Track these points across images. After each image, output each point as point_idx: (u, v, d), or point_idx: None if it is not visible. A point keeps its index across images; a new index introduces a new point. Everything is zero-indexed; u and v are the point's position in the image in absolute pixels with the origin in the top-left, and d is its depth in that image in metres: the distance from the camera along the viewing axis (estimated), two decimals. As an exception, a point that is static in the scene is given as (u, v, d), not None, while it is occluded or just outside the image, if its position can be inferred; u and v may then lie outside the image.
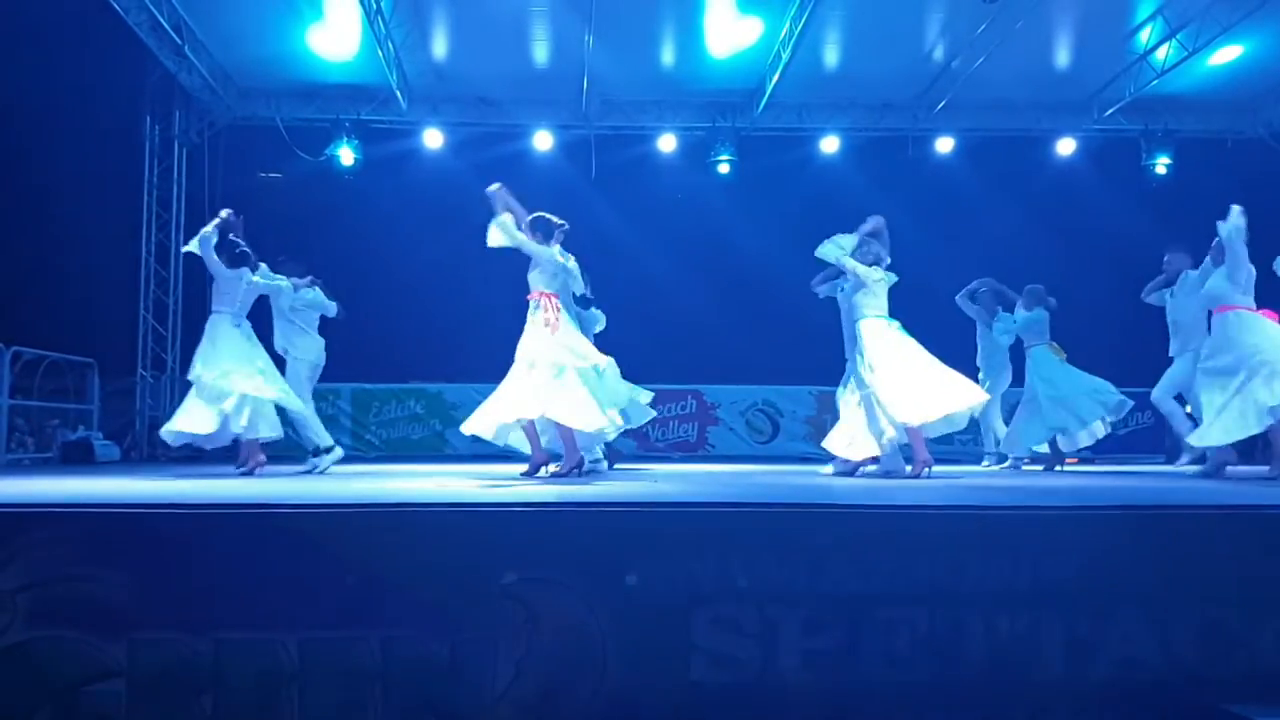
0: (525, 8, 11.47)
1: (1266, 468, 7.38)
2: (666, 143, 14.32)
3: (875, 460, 7.76)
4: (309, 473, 8.12)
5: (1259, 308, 7.72)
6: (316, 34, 12.04)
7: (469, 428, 7.17)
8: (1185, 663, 3.83)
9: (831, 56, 12.76)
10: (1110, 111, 13.86)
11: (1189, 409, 8.63)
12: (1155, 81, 12.80)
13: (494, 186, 7.35)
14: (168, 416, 8.69)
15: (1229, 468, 7.81)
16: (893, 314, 8.10)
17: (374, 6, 10.95)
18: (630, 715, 3.64)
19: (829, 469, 8.27)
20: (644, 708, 3.65)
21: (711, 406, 13.44)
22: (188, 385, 8.01)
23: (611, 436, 7.76)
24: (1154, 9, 11.71)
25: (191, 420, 7.65)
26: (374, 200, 14.04)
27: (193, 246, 8.20)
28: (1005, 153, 14.51)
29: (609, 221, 14.77)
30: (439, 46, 12.59)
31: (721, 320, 13.18)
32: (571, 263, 7.52)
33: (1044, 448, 9.75)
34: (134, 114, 13.55)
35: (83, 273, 14.58)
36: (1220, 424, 7.29)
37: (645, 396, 8.52)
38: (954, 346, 10.19)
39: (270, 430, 8.03)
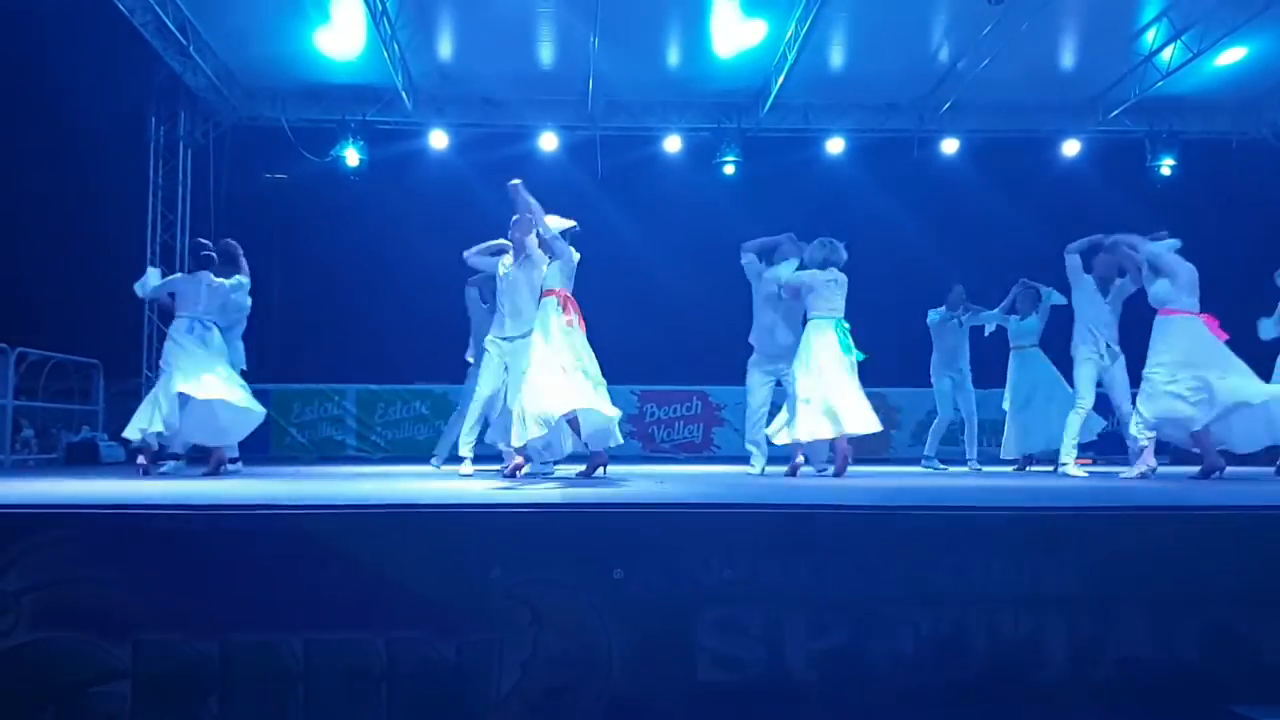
0: (531, 8, 11.48)
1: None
2: (672, 144, 14.33)
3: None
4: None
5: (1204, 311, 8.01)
6: (322, 34, 12.05)
7: (525, 438, 6.97)
8: (1189, 664, 3.83)
9: (837, 57, 12.76)
10: (1115, 113, 13.85)
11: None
12: (1160, 83, 12.79)
13: (515, 181, 7.36)
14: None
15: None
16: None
17: (379, 7, 10.96)
18: (635, 716, 3.64)
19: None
20: (649, 709, 3.65)
21: (717, 408, 13.45)
22: None
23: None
24: (1159, 10, 11.70)
25: (138, 419, 7.75)
26: (379, 201, 14.06)
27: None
28: (1010, 154, 14.51)
29: (614, 222, 14.77)
30: (444, 47, 12.61)
31: (727, 321, 13.16)
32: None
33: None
34: (139, 115, 13.58)
35: (88, 274, 14.61)
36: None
37: None
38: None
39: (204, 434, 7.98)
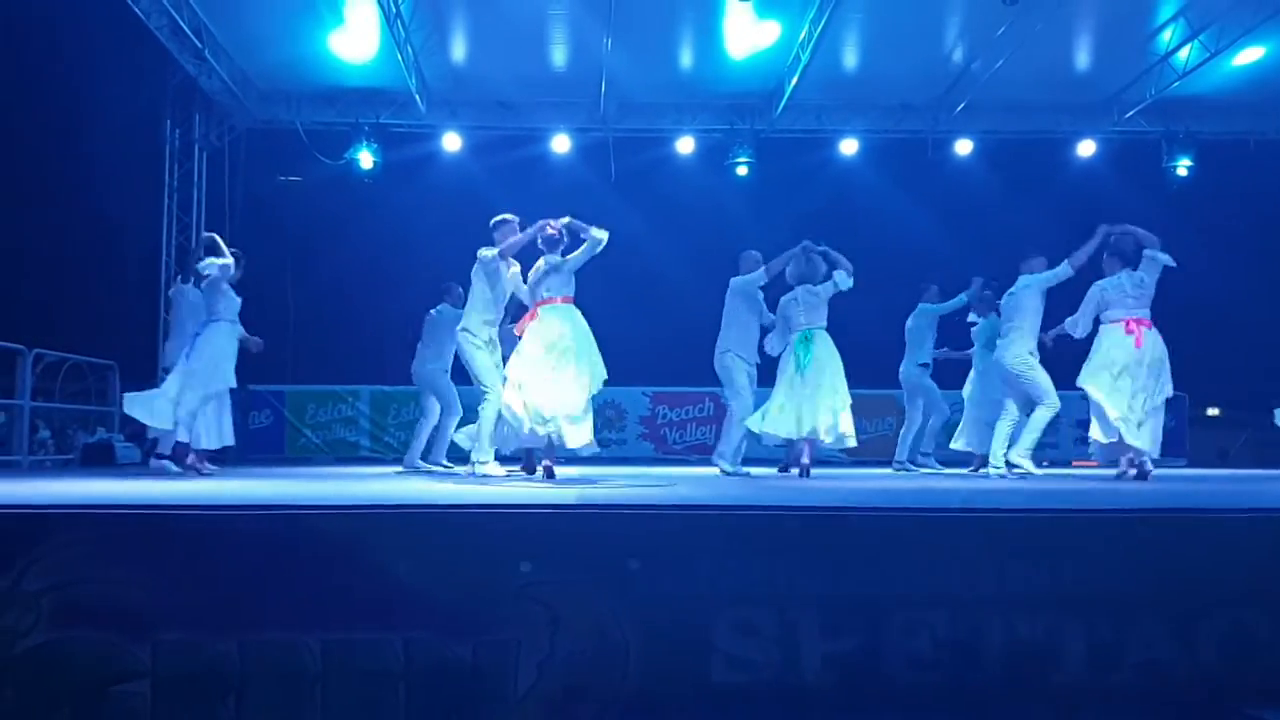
0: (544, 11, 11.49)
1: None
2: (685, 145, 14.34)
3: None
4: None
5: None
6: (336, 38, 12.09)
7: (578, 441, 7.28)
8: (1208, 667, 3.81)
9: (851, 58, 12.74)
10: (1131, 113, 13.80)
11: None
12: (1177, 83, 12.74)
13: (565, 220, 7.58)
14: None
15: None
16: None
17: (393, 10, 10.99)
18: (651, 716, 3.64)
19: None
20: (665, 709, 3.65)
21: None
22: None
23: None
24: (1176, 10, 11.66)
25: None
26: (393, 203, 14.10)
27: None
28: (1025, 155, 14.49)
29: (627, 224, 14.76)
30: (458, 50, 12.63)
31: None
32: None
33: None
34: (154, 118, 13.64)
35: (103, 276, 14.70)
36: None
37: None
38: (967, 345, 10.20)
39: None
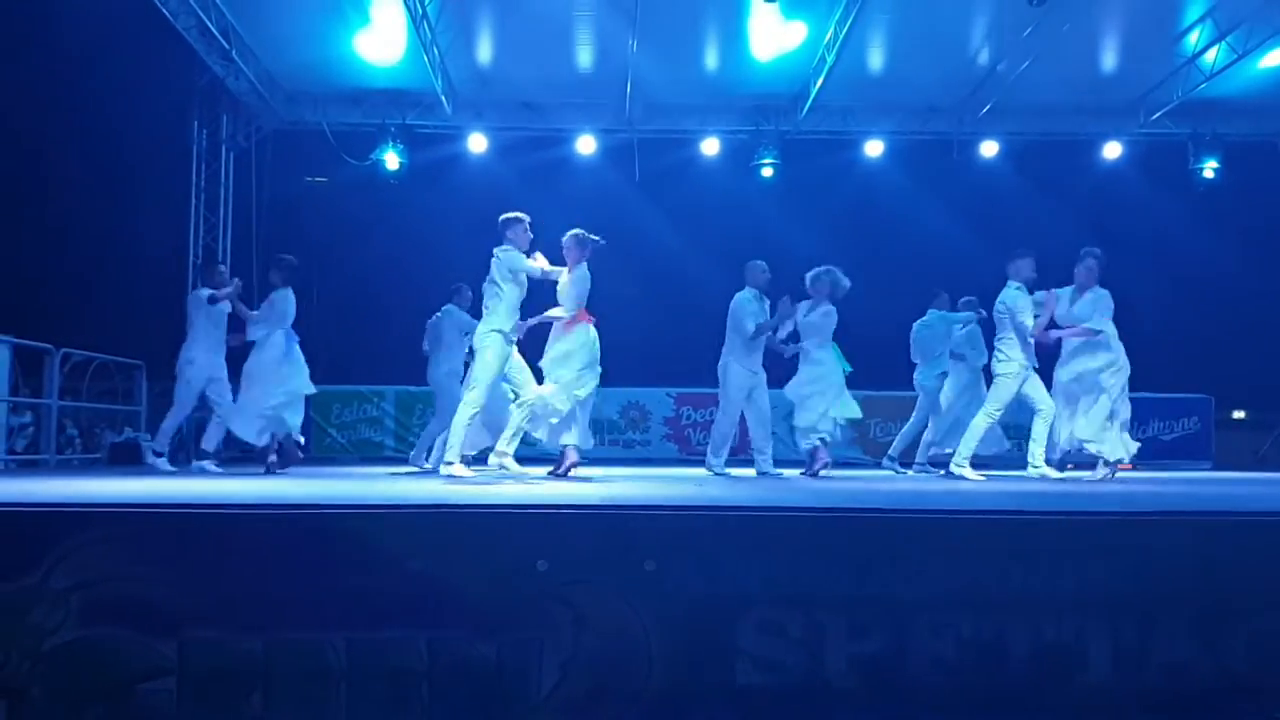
0: (569, 12, 11.51)
1: None
2: (710, 146, 14.32)
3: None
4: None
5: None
6: (363, 39, 12.14)
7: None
8: (1234, 671, 3.78)
9: (876, 60, 12.70)
10: (1157, 115, 13.69)
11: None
12: (1204, 85, 12.64)
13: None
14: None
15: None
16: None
17: (419, 11, 11.02)
18: (674, 717, 3.64)
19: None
20: (689, 710, 3.65)
21: (753, 411, 13.41)
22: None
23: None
24: (1203, 11, 11.57)
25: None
26: (418, 204, 14.16)
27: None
28: (1051, 157, 14.42)
29: (652, 225, 14.80)
30: (483, 51, 12.66)
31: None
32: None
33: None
34: (182, 119, 13.72)
35: (131, 275, 14.80)
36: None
37: None
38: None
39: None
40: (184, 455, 12.53)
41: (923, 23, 11.64)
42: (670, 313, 14.49)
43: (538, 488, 6.21)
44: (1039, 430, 8.64)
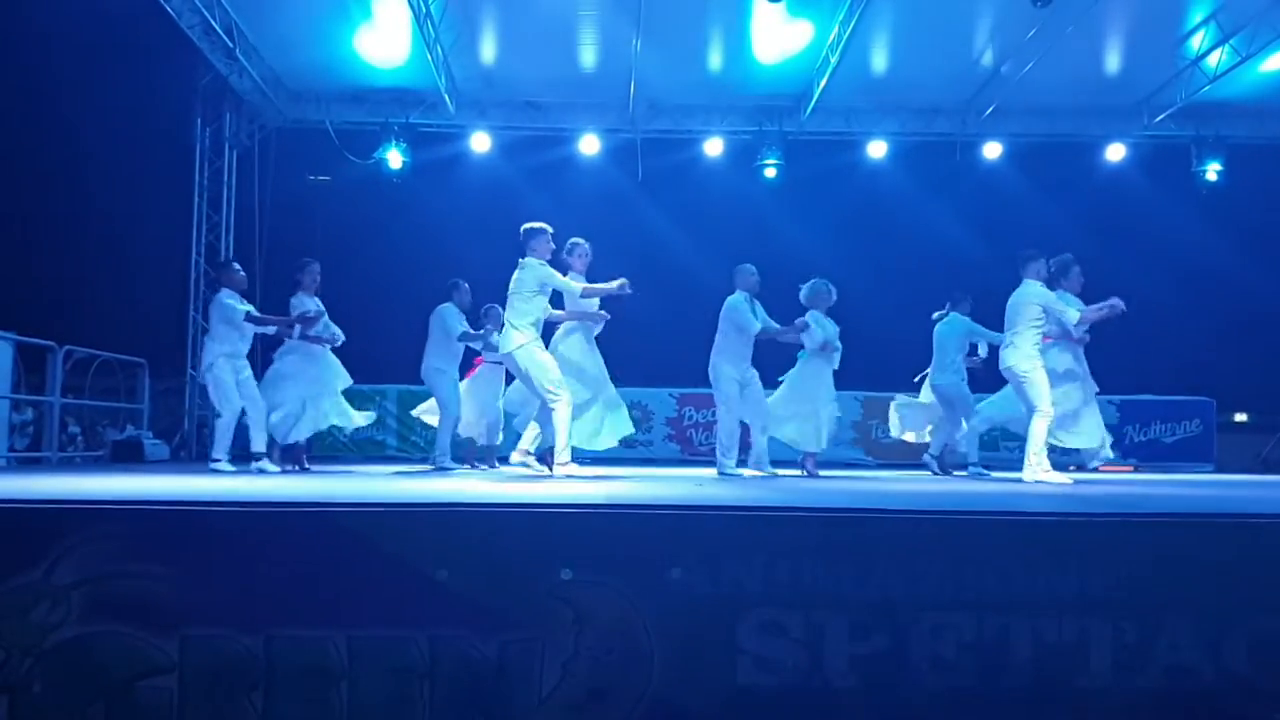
0: (573, 11, 11.51)
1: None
2: (713, 146, 14.31)
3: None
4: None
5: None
6: (366, 38, 12.15)
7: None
8: (1237, 673, 3.78)
9: (880, 61, 12.70)
10: (1161, 117, 13.68)
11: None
12: (1207, 87, 12.61)
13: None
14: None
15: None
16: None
17: (423, 10, 11.03)
18: (676, 717, 3.64)
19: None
20: (689, 710, 3.65)
21: (755, 411, 13.41)
22: None
23: None
24: (1207, 14, 11.56)
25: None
26: (422, 203, 14.16)
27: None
28: (1054, 158, 14.40)
29: (655, 225, 14.80)
30: (487, 50, 12.66)
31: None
32: None
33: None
34: (185, 117, 13.72)
35: (134, 273, 14.83)
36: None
37: None
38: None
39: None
40: (186, 454, 12.58)
41: (926, 24, 11.63)
42: (673, 313, 14.47)
43: (541, 487, 6.21)
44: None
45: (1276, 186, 14.19)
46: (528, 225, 7.94)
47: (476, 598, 3.64)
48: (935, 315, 10.10)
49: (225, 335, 8.72)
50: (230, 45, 11.79)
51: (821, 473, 9.32)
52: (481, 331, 9.87)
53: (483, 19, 11.88)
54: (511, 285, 7.91)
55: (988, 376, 9.66)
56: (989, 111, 13.64)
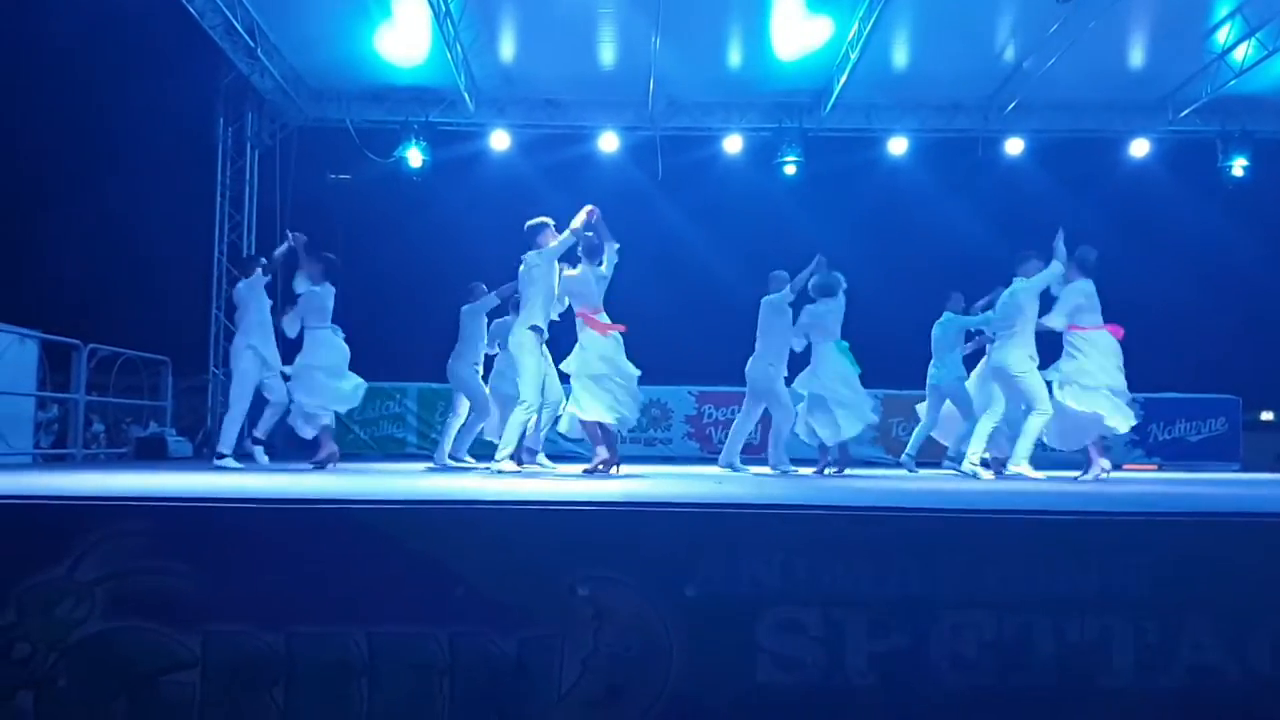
0: (592, 9, 11.51)
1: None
2: (733, 144, 14.29)
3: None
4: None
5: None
6: (387, 37, 12.19)
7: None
8: (1261, 673, 3.75)
9: (900, 57, 12.65)
10: (1186, 112, 13.58)
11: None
12: (1233, 81, 12.51)
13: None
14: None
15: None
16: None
17: (443, 9, 11.06)
18: (695, 715, 3.64)
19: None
20: (709, 708, 3.65)
21: (775, 409, 13.38)
22: None
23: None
24: (1233, 7, 11.46)
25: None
26: (441, 201, 14.20)
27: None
28: (1077, 155, 14.32)
29: (674, 223, 14.80)
30: (506, 49, 12.69)
31: (786, 322, 13.17)
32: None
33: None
34: (208, 116, 13.81)
35: (157, 272, 14.93)
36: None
37: None
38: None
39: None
40: (209, 451, 12.65)
41: (948, 19, 11.58)
42: (692, 310, 14.49)
43: (561, 485, 6.22)
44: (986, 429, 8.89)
45: (1303, 181, 14.08)
46: (530, 222, 8.00)
47: (496, 595, 3.64)
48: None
49: (256, 324, 8.91)
50: (252, 45, 11.85)
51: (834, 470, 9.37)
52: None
53: (502, 17, 11.90)
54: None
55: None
56: (1011, 107, 13.57)
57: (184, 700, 3.59)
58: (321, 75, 13.44)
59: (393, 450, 13.09)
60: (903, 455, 10.29)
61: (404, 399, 13.44)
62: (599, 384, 7.81)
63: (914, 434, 10.23)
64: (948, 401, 9.82)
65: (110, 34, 13.14)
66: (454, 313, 10.05)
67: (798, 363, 9.47)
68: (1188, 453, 13.20)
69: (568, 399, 8.16)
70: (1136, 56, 12.64)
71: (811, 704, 3.68)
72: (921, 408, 10.16)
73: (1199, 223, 14.38)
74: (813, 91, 13.60)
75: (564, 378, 8.26)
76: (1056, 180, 14.26)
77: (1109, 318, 8.55)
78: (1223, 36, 12.05)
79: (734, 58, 12.80)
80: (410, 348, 14.01)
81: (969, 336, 9.95)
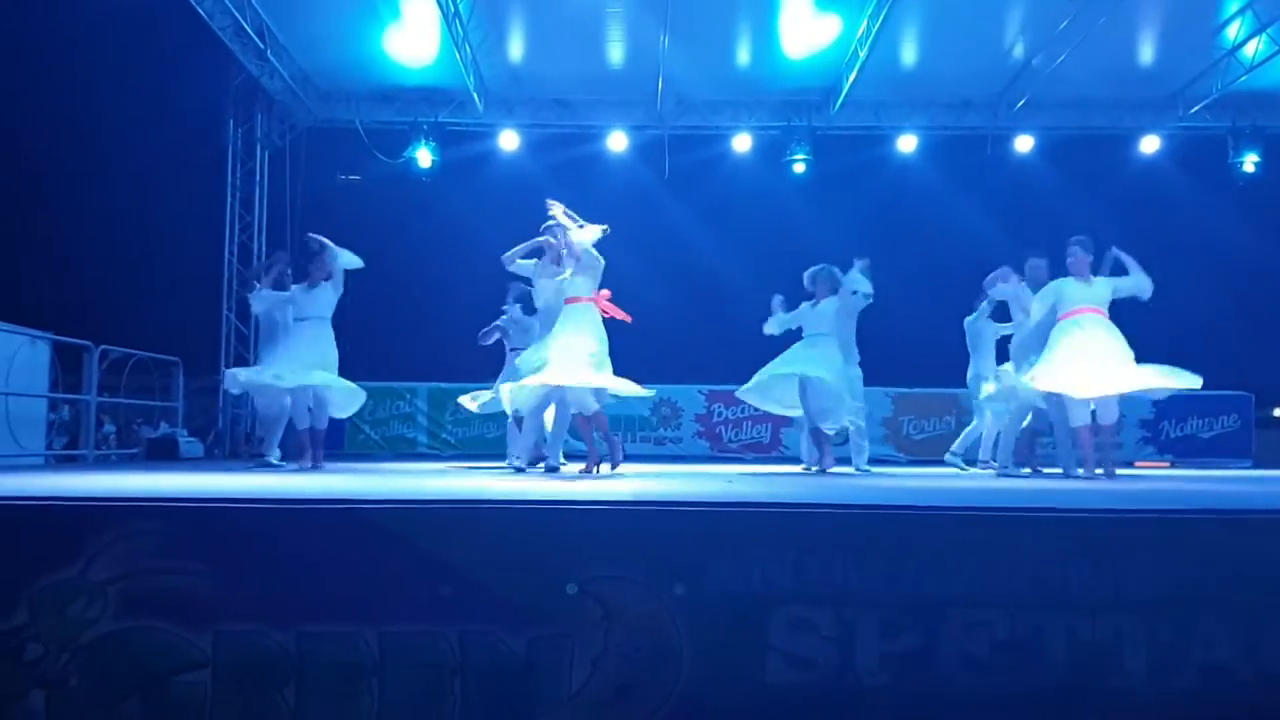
0: (601, 9, 11.52)
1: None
2: (741, 142, 14.29)
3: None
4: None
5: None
6: (395, 37, 12.20)
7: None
8: (1275, 673, 3.73)
9: (909, 54, 12.63)
10: (1196, 108, 13.53)
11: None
12: (1244, 77, 12.47)
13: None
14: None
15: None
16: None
17: (452, 9, 11.07)
18: (705, 715, 3.64)
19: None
20: (719, 708, 3.64)
21: (785, 407, 13.37)
22: None
23: None
24: (1243, 3, 11.44)
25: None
26: (451, 201, 14.21)
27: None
28: (1087, 151, 14.29)
29: (683, 222, 14.79)
30: (515, 49, 12.70)
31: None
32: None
33: None
34: (217, 117, 13.85)
35: (168, 273, 14.98)
36: None
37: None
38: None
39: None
40: (220, 452, 12.69)
41: (957, 16, 11.56)
42: (702, 309, 14.48)
43: (570, 484, 6.22)
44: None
45: (1315, 177, 14.02)
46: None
47: (506, 594, 3.64)
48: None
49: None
50: (261, 46, 11.88)
51: (853, 470, 9.30)
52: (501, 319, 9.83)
53: (511, 17, 11.92)
54: None
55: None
56: (1020, 105, 13.54)
57: (195, 700, 3.60)
58: (331, 76, 13.46)
59: (403, 450, 13.11)
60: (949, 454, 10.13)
61: (414, 399, 13.45)
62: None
63: (964, 432, 10.12)
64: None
65: (120, 36, 13.19)
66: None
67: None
68: (1200, 450, 13.15)
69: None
70: (1146, 53, 12.60)
71: (823, 704, 3.67)
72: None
73: (1210, 219, 14.31)
74: (822, 90, 13.59)
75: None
76: (1066, 177, 14.22)
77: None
78: (1233, 32, 12.00)
79: (743, 56, 12.79)
80: (420, 347, 14.04)
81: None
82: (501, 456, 10.14)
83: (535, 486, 5.75)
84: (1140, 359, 8.48)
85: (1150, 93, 13.55)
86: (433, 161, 13.77)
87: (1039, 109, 13.63)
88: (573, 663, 3.62)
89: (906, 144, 14.22)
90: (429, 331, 13.97)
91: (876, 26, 11.31)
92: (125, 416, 14.19)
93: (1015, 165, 14.33)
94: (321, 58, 12.96)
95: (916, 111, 13.99)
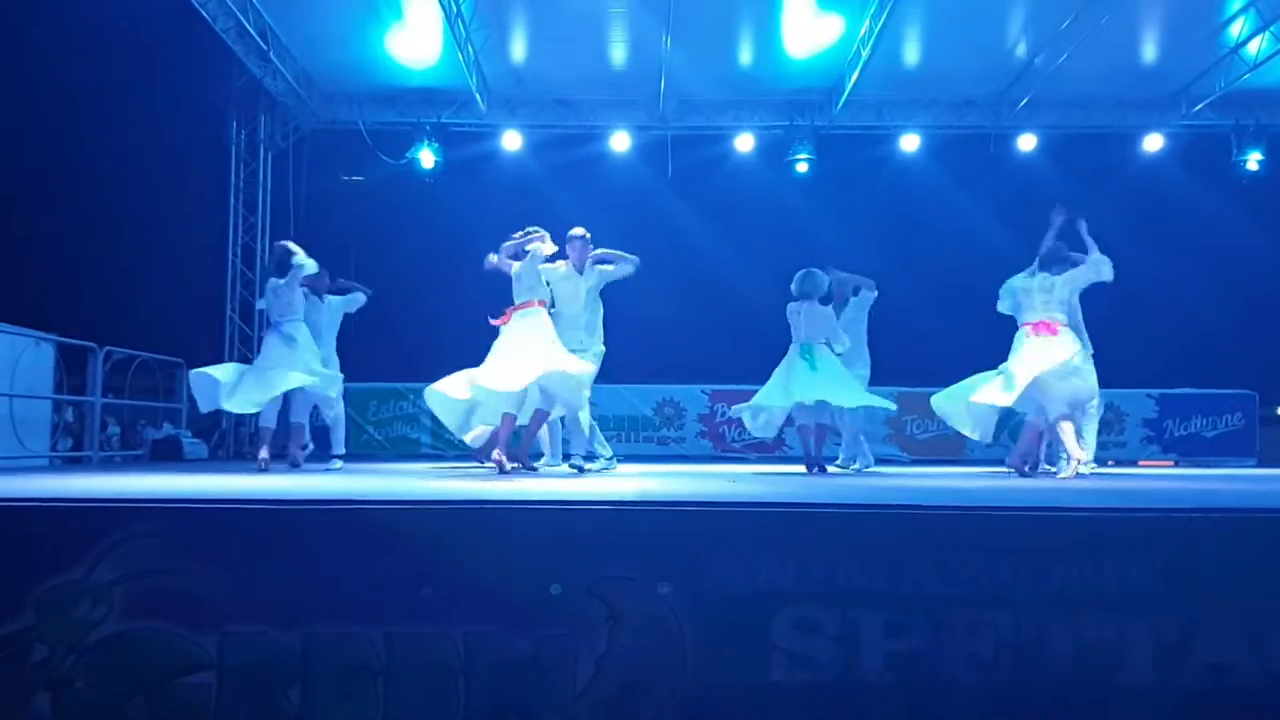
0: (603, 9, 11.51)
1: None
2: (744, 142, 14.26)
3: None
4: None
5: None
6: (398, 38, 12.21)
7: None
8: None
9: (912, 53, 12.61)
10: (1199, 107, 13.50)
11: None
12: (1247, 75, 12.43)
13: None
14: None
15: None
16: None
17: (454, 10, 11.07)
18: (709, 714, 3.64)
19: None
20: (723, 707, 3.65)
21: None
22: None
23: None
24: (1246, 1, 11.40)
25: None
26: (454, 202, 14.20)
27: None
28: (1090, 150, 14.26)
29: (686, 222, 14.78)
30: (518, 49, 12.69)
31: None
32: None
33: None
34: (220, 119, 13.84)
35: (172, 275, 15.00)
36: None
37: None
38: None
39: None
40: (224, 453, 12.70)
41: (959, 15, 11.53)
42: (705, 309, 14.46)
43: (574, 485, 6.22)
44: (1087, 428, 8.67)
45: (1319, 175, 14.00)
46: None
47: (511, 594, 3.65)
48: None
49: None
50: (264, 47, 11.88)
51: (852, 468, 9.31)
52: None
53: (513, 18, 11.91)
54: None
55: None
56: (1023, 103, 13.52)
57: (201, 701, 3.61)
58: (333, 77, 13.46)
59: (406, 450, 13.11)
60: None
61: (417, 399, 13.44)
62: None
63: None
64: None
65: (123, 38, 13.20)
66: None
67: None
68: (1203, 448, 13.13)
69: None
70: (1149, 51, 12.58)
71: (827, 703, 3.67)
72: None
73: (1213, 217, 14.29)
74: (824, 89, 13.58)
75: None
76: (1070, 176, 14.19)
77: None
78: (1236, 30, 11.97)
79: (745, 56, 12.78)
80: (423, 348, 14.03)
81: None
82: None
83: (539, 487, 5.76)
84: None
85: (1153, 91, 13.53)
86: (435, 162, 13.76)
87: (1042, 108, 13.61)
88: (577, 663, 3.63)
89: (909, 143, 14.20)
90: (433, 332, 13.97)
91: (879, 26, 11.29)
92: (129, 418, 14.19)
93: (1018, 164, 14.31)
94: (324, 59, 12.96)
95: (919, 111, 13.97)
